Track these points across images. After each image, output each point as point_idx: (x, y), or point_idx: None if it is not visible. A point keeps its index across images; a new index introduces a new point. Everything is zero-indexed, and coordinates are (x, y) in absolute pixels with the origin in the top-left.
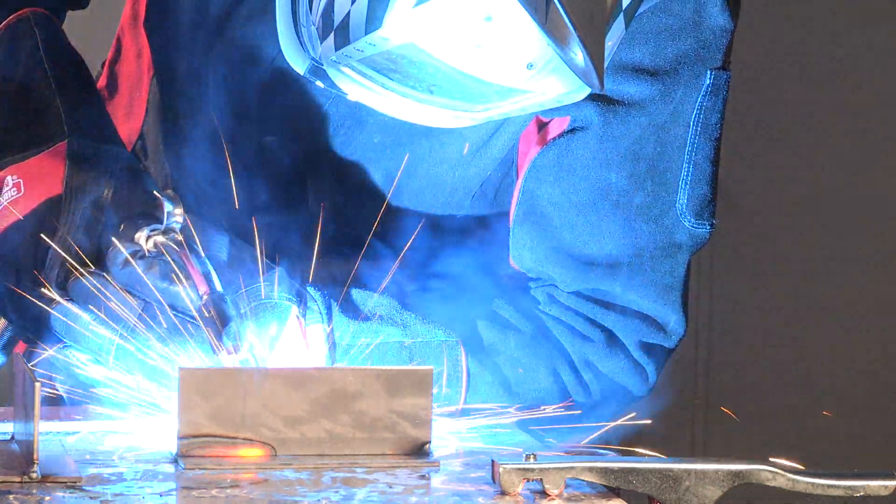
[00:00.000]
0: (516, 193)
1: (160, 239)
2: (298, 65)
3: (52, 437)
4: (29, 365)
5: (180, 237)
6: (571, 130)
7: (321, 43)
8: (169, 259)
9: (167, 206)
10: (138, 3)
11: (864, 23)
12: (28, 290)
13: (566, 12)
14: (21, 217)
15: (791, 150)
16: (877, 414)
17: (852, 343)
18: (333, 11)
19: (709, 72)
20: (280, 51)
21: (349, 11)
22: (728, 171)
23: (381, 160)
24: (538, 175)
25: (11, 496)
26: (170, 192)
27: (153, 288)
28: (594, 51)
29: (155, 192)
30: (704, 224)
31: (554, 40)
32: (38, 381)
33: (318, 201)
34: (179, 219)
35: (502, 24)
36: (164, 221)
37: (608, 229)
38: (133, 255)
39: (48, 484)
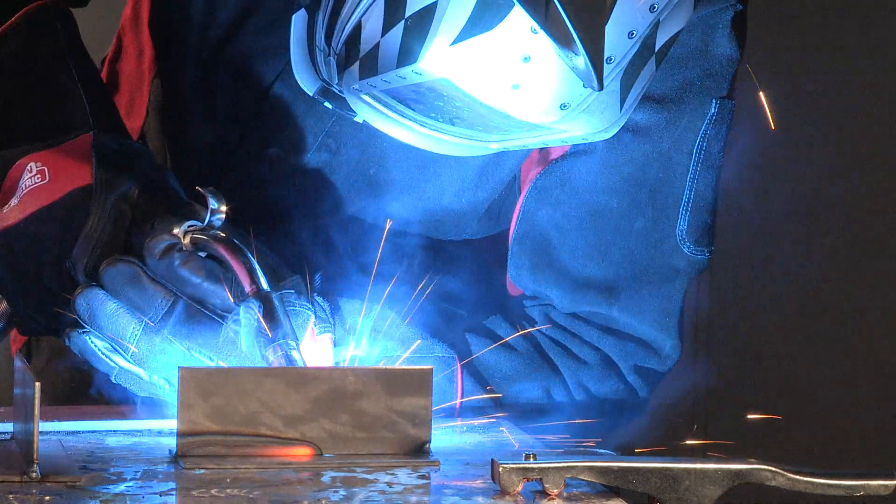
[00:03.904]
0: (516, 212)
1: (197, 236)
2: (308, 85)
3: (52, 437)
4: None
5: (223, 234)
6: (574, 153)
7: (343, 69)
8: (205, 255)
9: (212, 203)
10: (140, 3)
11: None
12: (50, 275)
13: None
14: (49, 204)
15: (790, 151)
16: (877, 414)
17: (852, 343)
18: (360, 40)
19: (714, 101)
20: (286, 65)
21: (378, 42)
22: (728, 172)
23: (378, 190)
24: (539, 195)
25: (11, 496)
26: (212, 188)
27: (187, 282)
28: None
29: (198, 188)
30: (703, 250)
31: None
32: (39, 380)
33: (319, 212)
34: (223, 216)
35: (540, 65)
36: (207, 218)
37: (608, 253)
38: (171, 247)
39: (48, 484)
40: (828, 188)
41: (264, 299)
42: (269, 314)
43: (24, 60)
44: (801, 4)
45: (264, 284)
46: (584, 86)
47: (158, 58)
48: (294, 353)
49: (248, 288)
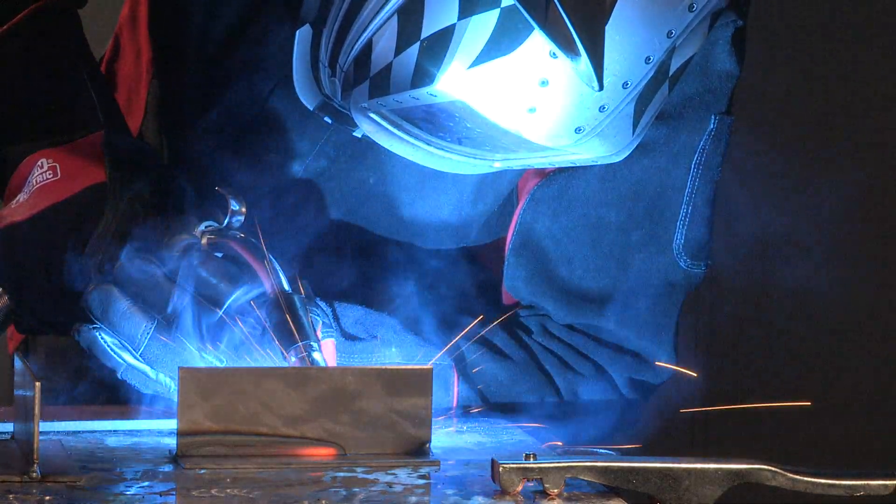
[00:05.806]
0: (513, 223)
1: (216, 236)
2: (309, 101)
3: (52, 437)
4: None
5: (242, 235)
6: (572, 167)
7: (351, 88)
8: (221, 256)
9: (232, 205)
10: (138, 5)
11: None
12: (60, 271)
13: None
14: (61, 200)
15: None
16: (877, 414)
17: (852, 343)
18: (370, 59)
19: (713, 116)
20: (286, 73)
21: (391, 63)
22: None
23: (376, 199)
24: (536, 207)
25: (11, 496)
26: (231, 189)
27: (204, 283)
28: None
29: (217, 188)
30: (700, 265)
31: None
32: (39, 380)
33: (317, 219)
34: (242, 217)
35: (557, 89)
36: (227, 219)
37: (604, 266)
38: (190, 247)
39: (48, 484)
40: (821, 189)
41: (286, 301)
42: (292, 316)
43: (32, 58)
44: (799, 19)
45: (286, 286)
46: (594, 108)
47: (157, 59)
48: (316, 355)
49: (269, 289)
